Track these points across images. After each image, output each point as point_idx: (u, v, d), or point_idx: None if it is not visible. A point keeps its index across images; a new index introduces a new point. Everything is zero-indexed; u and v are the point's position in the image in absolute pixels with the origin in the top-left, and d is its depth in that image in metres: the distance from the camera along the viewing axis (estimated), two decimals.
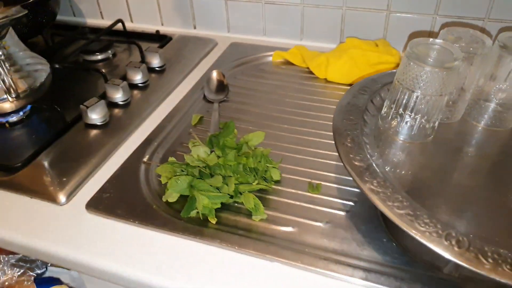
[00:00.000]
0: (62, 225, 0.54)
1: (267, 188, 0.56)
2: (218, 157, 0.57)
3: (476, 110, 0.55)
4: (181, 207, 0.54)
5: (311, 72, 0.82)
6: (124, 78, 0.77)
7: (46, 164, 0.61)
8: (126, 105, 0.72)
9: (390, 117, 0.52)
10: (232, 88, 0.79)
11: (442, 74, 0.45)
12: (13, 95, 0.61)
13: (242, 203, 0.54)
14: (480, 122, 0.55)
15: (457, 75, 0.48)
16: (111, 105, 0.72)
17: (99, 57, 0.88)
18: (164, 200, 0.55)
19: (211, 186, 0.54)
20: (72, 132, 0.66)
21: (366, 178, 0.44)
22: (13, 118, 0.69)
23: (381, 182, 0.44)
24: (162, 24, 1.01)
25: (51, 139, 0.64)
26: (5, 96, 0.62)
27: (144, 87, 0.77)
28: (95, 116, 0.66)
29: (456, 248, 0.37)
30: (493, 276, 0.36)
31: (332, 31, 0.88)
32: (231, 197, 0.54)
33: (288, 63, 0.86)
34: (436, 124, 0.51)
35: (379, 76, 0.62)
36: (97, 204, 0.55)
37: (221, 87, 0.77)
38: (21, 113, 0.69)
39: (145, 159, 0.62)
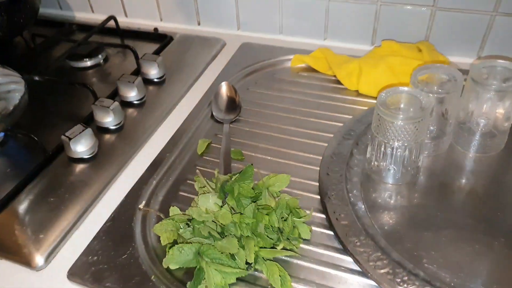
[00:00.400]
0: None
1: (294, 253, 0.44)
2: (232, 209, 0.46)
3: (462, 139, 0.55)
4: (185, 276, 0.43)
5: (338, 81, 0.69)
6: (116, 92, 0.65)
7: (20, 213, 0.50)
8: (118, 129, 0.60)
9: (373, 163, 0.51)
10: (244, 103, 0.66)
11: (413, 126, 0.45)
12: None
13: (260, 270, 0.43)
14: (468, 150, 0.54)
15: (429, 122, 0.49)
16: (100, 130, 0.60)
17: (88, 63, 0.75)
18: (164, 266, 0.44)
19: (222, 253, 0.42)
20: (53, 168, 0.55)
21: (350, 239, 0.44)
22: None
23: (363, 240, 0.44)
24: (161, 20, 0.87)
25: (27, 178, 0.53)
26: None
27: (140, 104, 0.65)
28: (81, 148, 0.54)
29: None
30: None
31: (363, 30, 0.74)
32: (248, 264, 0.43)
33: (310, 69, 0.73)
34: (420, 164, 0.51)
35: (363, 116, 0.60)
36: (81, 272, 0.44)
37: (232, 104, 0.65)
38: None
39: (141, 206, 0.51)
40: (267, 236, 0.43)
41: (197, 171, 0.52)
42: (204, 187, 0.49)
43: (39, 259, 0.46)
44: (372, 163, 0.51)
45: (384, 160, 0.49)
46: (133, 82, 0.62)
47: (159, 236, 0.46)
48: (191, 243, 0.43)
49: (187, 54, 0.76)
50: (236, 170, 0.55)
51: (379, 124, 0.47)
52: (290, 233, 0.44)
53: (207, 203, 0.46)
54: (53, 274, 0.45)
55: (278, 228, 0.44)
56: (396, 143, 0.47)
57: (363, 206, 0.48)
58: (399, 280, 0.40)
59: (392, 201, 0.50)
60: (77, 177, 0.53)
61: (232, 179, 0.49)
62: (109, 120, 0.58)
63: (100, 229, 0.48)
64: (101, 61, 0.76)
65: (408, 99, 0.47)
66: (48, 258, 0.46)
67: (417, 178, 0.51)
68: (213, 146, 0.60)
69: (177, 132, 0.61)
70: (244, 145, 0.59)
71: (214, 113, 0.64)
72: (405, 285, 0.39)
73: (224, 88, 0.66)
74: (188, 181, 0.54)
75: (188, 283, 0.42)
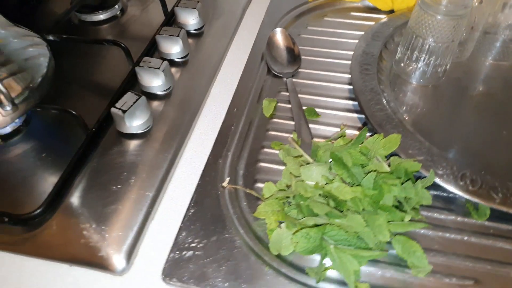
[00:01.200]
0: None
1: (426, 224, 0.38)
2: (342, 180, 0.39)
3: (484, 46, 0.56)
4: (297, 258, 0.37)
5: None
6: (149, 50, 0.54)
7: (79, 206, 0.41)
8: (167, 95, 0.50)
9: (404, 63, 0.53)
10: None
11: (453, 22, 0.46)
12: (8, 107, 0.38)
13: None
14: (488, 57, 0.56)
15: (467, 20, 0.50)
16: (147, 96, 0.49)
17: (102, 16, 0.62)
18: (274, 253, 0.37)
19: (346, 232, 0.36)
20: (103, 148, 0.45)
21: (386, 127, 0.45)
22: (6, 130, 0.46)
23: (401, 131, 0.45)
24: None
25: (75, 164, 0.43)
26: None
27: (183, 63, 0.54)
28: (137, 122, 0.44)
29: (470, 187, 0.40)
30: (502, 208, 0.39)
31: None
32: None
33: (361, 8, 0.64)
34: (448, 66, 0.52)
35: (390, 19, 0.60)
36: (179, 272, 0.37)
37: (291, 55, 0.56)
38: (17, 120, 0.47)
39: (225, 183, 0.43)
40: (398, 209, 0.37)
41: (289, 138, 0.44)
42: (300, 156, 0.42)
43: (119, 260, 0.38)
44: (402, 64, 0.53)
45: (416, 60, 0.51)
46: (178, 35, 0.51)
47: (256, 218, 0.40)
48: (303, 224, 0.37)
49: None
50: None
51: (418, 19, 0.48)
52: (417, 202, 0.39)
53: (311, 175, 0.39)
54: (141, 277, 0.37)
55: (405, 197, 0.38)
56: (432, 40, 0.48)
57: (393, 104, 0.50)
58: (438, 165, 0.42)
59: (419, 100, 0.51)
60: (136, 157, 0.44)
61: (334, 144, 0.42)
62: (159, 84, 0.48)
63: (184, 217, 0.40)
64: (118, 12, 0.63)
65: None
66: (130, 258, 0.38)
67: (442, 81, 0.53)
68: (279, 106, 0.52)
69: (236, 94, 0.52)
70: (313, 101, 0.52)
71: (272, 67, 0.55)
72: (444, 170, 0.42)
73: (279, 37, 0.56)
74: (264, 149, 0.47)
75: (307, 268, 0.36)
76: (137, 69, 0.48)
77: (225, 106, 0.51)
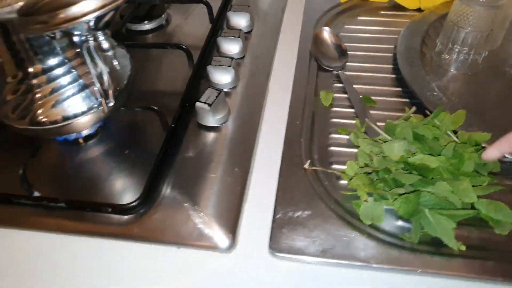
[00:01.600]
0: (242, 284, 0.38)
1: (504, 187, 0.42)
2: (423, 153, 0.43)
3: None
4: (387, 227, 0.41)
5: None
6: (206, 52, 0.57)
7: (177, 193, 0.43)
8: (234, 92, 0.53)
9: (444, 54, 0.57)
10: None
11: (491, 12, 0.51)
12: (111, 102, 0.41)
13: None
14: None
15: (504, 10, 0.54)
16: None
17: (148, 26, 0.65)
18: (367, 223, 0.41)
19: (436, 197, 0.40)
20: (187, 141, 0.48)
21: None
22: (89, 130, 0.48)
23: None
24: None
25: (164, 155, 0.46)
26: (95, 103, 0.41)
27: (241, 63, 0.58)
28: (219, 115, 0.47)
29: None
30: None
31: None
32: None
33: (389, 7, 0.70)
34: (486, 54, 0.56)
35: (422, 17, 0.65)
36: (287, 244, 0.39)
37: (339, 50, 0.60)
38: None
39: (306, 165, 0.46)
40: (479, 173, 0.41)
41: (366, 120, 0.48)
42: (377, 138, 0.46)
43: (224, 239, 0.40)
44: (443, 55, 0.57)
45: (458, 50, 0.56)
46: (239, 36, 0.54)
47: (341, 195, 0.43)
48: (394, 195, 0.40)
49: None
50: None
51: (459, 12, 0.53)
52: (491, 168, 0.43)
53: (394, 150, 0.43)
54: (249, 253, 0.40)
55: (482, 164, 0.42)
56: (472, 30, 0.53)
57: (442, 91, 0.53)
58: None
59: (465, 86, 0.56)
60: (219, 147, 0.47)
61: (408, 122, 0.46)
62: (228, 81, 0.51)
63: (276, 197, 0.43)
64: (164, 22, 0.66)
65: None
66: (234, 236, 0.41)
67: (480, 69, 0.57)
68: (334, 96, 0.55)
69: (294, 88, 0.56)
70: (365, 90, 0.56)
71: (322, 62, 0.59)
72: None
73: (326, 34, 0.61)
74: (331, 135, 0.50)
75: (401, 234, 0.40)
76: (208, 67, 0.51)
77: (285, 99, 0.54)
